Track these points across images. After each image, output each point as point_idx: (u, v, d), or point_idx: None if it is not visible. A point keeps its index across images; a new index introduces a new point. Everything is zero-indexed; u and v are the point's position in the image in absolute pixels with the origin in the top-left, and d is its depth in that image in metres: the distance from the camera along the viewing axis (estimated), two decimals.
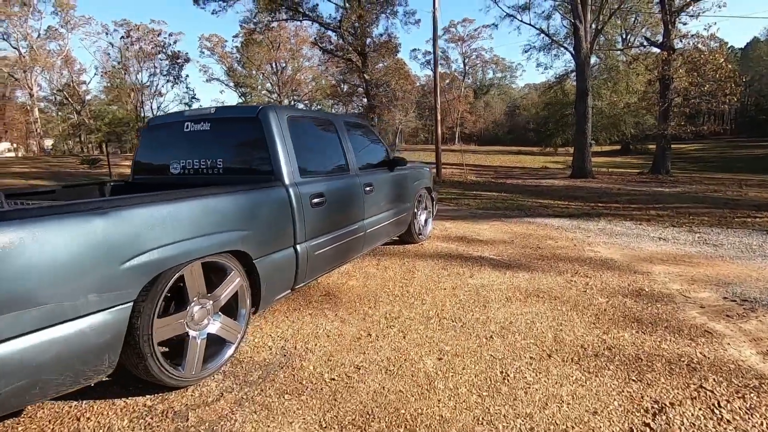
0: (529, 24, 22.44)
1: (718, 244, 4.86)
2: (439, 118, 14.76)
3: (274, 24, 28.60)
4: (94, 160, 19.09)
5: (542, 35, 25.69)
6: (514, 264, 4.12)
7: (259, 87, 45.38)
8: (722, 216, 6.85)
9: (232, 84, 44.04)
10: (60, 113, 43.08)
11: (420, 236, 4.90)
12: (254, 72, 43.45)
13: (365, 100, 25.67)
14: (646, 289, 3.38)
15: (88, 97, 40.71)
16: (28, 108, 43.36)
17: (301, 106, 45.15)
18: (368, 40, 24.52)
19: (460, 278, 3.67)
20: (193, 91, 26.98)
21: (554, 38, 25.10)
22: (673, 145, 19.04)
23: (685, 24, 18.13)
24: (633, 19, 26.73)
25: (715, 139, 39.14)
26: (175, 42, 27.51)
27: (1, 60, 40.39)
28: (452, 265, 4.08)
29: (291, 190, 2.58)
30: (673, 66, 16.61)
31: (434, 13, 13.58)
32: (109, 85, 35.09)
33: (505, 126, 62.24)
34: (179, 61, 25.19)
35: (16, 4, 39.37)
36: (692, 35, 17.81)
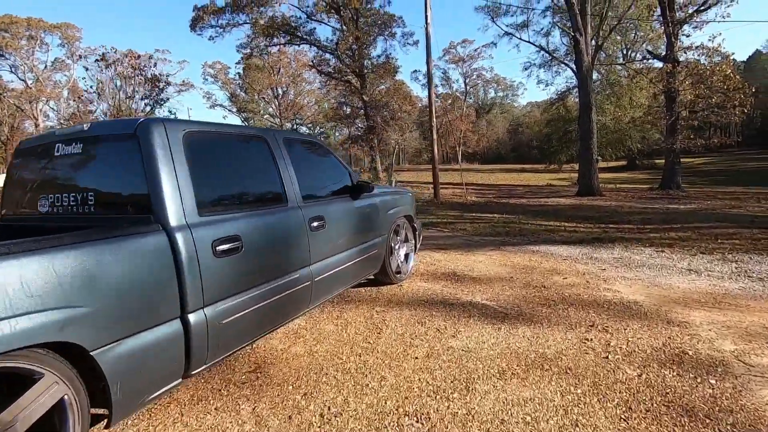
0: (528, 41, 22.19)
1: (764, 278, 3.96)
2: (435, 136, 14.09)
3: (275, 49, 28.67)
4: None
5: (542, 52, 25.38)
6: (511, 313, 3.26)
7: (261, 111, 45.53)
8: (754, 238, 5.95)
9: (235, 109, 44.26)
10: None
11: (398, 275, 4.04)
12: (256, 97, 43.67)
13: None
14: (689, 352, 2.50)
15: None
16: None
17: (303, 129, 45.14)
18: (366, 62, 24.33)
19: (440, 338, 2.80)
20: (174, 114, 26.41)
21: (554, 55, 24.73)
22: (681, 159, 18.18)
23: (688, 36, 17.64)
24: (633, 34, 26.37)
25: (724, 152, 38.09)
26: (155, 65, 27.34)
27: (9, 92, 41.11)
28: (433, 316, 3.22)
29: (178, 236, 1.79)
30: (678, 78, 15.94)
31: (427, 28, 13.12)
32: (113, 109, 35.16)
33: (508, 144, 61.76)
34: (160, 84, 24.97)
35: (24, 37, 40.39)
36: (696, 47, 17.27)
